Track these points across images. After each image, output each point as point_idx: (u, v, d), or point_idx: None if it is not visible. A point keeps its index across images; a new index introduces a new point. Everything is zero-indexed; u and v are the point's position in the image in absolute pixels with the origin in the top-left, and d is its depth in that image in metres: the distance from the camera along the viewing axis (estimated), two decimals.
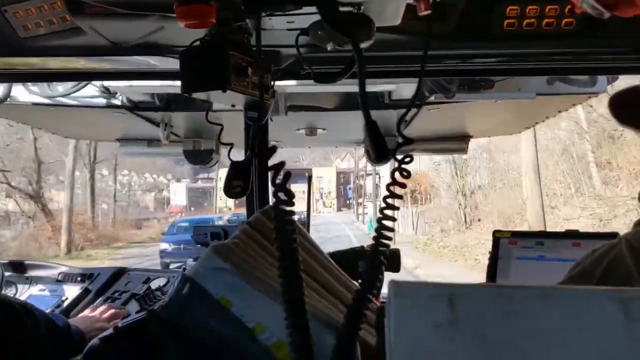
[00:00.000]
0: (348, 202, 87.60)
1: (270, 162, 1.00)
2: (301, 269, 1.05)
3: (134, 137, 3.50)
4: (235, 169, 1.82)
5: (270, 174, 0.99)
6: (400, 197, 1.05)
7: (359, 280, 1.28)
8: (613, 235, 1.20)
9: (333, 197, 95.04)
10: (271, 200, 1.81)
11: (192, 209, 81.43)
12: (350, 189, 79.91)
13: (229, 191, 1.84)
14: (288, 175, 1.00)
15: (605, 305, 0.60)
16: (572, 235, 1.96)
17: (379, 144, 1.06)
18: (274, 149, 1.05)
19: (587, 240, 1.88)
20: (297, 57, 1.34)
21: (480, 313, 0.61)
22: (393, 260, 1.92)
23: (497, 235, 2.00)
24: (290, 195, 1.00)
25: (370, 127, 1.05)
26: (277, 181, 0.99)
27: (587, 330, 0.60)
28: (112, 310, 2.00)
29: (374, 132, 1.06)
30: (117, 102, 2.53)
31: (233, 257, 1.20)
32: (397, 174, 1.04)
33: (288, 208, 1.02)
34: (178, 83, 1.28)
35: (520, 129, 3.75)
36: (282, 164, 0.98)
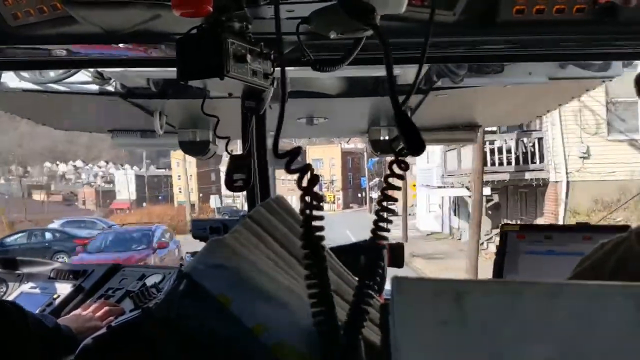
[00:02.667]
0: (361, 195, 76.00)
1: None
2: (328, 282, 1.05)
3: (127, 127, 3.50)
4: (236, 162, 1.83)
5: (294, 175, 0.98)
6: (398, 188, 1.05)
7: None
8: (625, 228, 1.20)
9: (338, 187, 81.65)
10: (273, 196, 1.81)
11: (144, 204, 74.47)
12: (364, 178, 69.30)
13: (231, 185, 1.84)
14: (316, 179, 0.99)
15: (617, 301, 0.61)
16: (582, 228, 1.96)
17: (411, 135, 1.03)
18: (298, 150, 1.02)
19: (598, 233, 1.88)
20: (298, 44, 1.34)
21: (489, 310, 0.61)
22: (396, 255, 1.92)
23: (505, 229, 2.00)
24: (319, 199, 0.99)
25: (399, 117, 1.02)
26: (304, 184, 0.98)
27: (599, 327, 0.60)
28: (106, 308, 1.99)
29: (406, 122, 1.03)
30: (110, 88, 2.53)
31: (233, 252, 1.19)
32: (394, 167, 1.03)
33: (317, 213, 1.00)
34: (174, 68, 1.28)
35: (532, 117, 3.74)
36: (308, 166, 0.97)
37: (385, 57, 1.05)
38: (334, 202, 79.35)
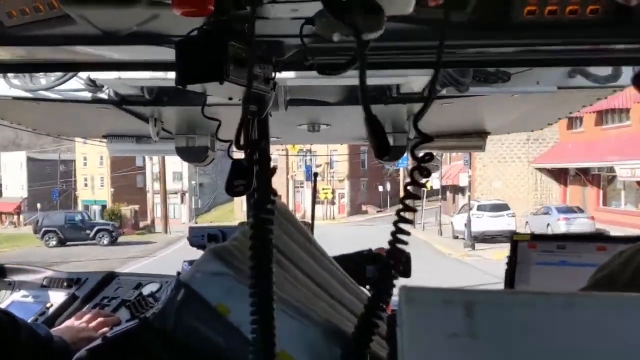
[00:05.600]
0: (382, 190, 50.59)
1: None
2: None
3: (122, 133, 3.51)
4: (236, 167, 1.83)
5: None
6: (418, 197, 1.05)
7: (367, 287, 1.28)
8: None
9: (341, 176, 53.79)
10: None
11: (38, 204, 57.74)
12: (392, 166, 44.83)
13: (231, 190, 1.85)
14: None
15: (632, 313, 0.60)
16: (596, 238, 1.95)
17: (378, 138, 1.05)
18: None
19: (613, 243, 1.87)
20: (301, 47, 1.34)
21: (501, 322, 0.61)
22: (404, 265, 1.92)
23: (516, 239, 2.00)
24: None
25: (370, 120, 1.04)
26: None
27: (614, 339, 0.60)
28: (101, 319, 1.99)
29: (374, 125, 1.05)
30: (103, 96, 2.53)
31: (233, 260, 1.20)
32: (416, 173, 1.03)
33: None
34: (170, 75, 1.29)
35: (542, 125, 3.76)
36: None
37: (359, 62, 1.06)
38: (332, 202, 53.35)
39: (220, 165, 42.57)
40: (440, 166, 39.74)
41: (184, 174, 66.62)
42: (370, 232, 28.38)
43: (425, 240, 29.59)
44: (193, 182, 66.66)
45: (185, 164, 50.51)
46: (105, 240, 36.70)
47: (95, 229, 37.79)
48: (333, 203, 54.79)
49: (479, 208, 29.49)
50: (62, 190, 64.69)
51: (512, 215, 29.36)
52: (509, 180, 36.97)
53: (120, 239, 38.39)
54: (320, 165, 53.12)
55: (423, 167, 1.02)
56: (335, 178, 55.20)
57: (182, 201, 67.24)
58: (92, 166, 66.68)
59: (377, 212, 54.41)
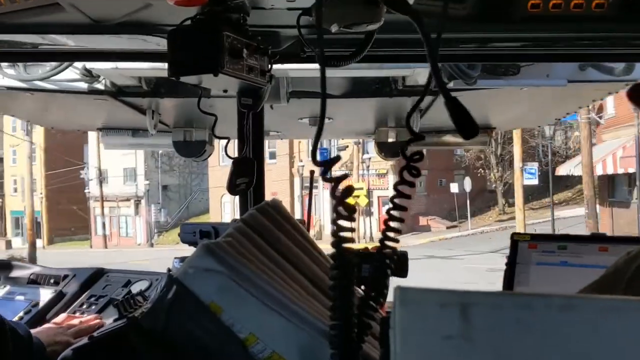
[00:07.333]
0: (458, 203, 33.08)
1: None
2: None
3: (118, 126, 3.50)
4: (238, 165, 1.84)
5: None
6: (409, 196, 1.05)
7: (362, 287, 1.28)
8: None
9: (385, 166, 30.46)
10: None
11: None
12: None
13: (234, 189, 1.85)
14: (350, 191, 0.97)
15: (633, 316, 0.60)
16: (598, 239, 1.95)
17: (464, 121, 1.02)
18: (337, 159, 1.01)
19: (615, 244, 1.88)
20: (298, 38, 1.34)
21: (497, 324, 0.61)
22: (400, 264, 1.91)
23: (516, 239, 2.00)
24: (351, 210, 0.98)
25: (451, 103, 1.02)
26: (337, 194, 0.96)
27: (614, 342, 0.60)
28: (82, 326, 1.95)
29: (457, 108, 1.02)
30: (100, 86, 2.53)
31: (226, 257, 1.19)
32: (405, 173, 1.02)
33: (347, 224, 0.99)
34: (167, 66, 1.29)
35: (550, 120, 3.76)
36: (344, 176, 0.96)
37: (426, 45, 1.03)
38: (368, 212, 31.75)
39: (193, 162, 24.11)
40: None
41: (139, 170, 46.02)
42: (459, 276, 16.37)
43: None
44: (147, 182, 45.75)
45: (140, 155, 42.26)
46: None
47: None
48: (370, 213, 32.24)
49: None
50: None
51: None
52: None
53: None
54: (347, 146, 31.72)
55: (413, 167, 1.01)
56: (373, 171, 33.09)
57: (136, 211, 46.25)
58: (24, 164, 40.55)
59: (448, 227, 33.48)
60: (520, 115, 3.47)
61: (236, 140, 2.23)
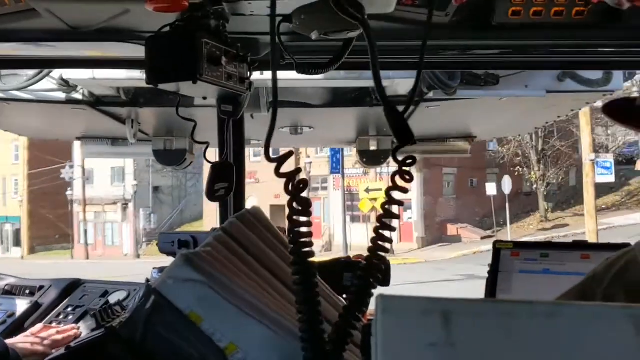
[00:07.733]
0: (495, 207, 27.31)
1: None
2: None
3: (97, 135, 3.49)
4: (216, 170, 1.83)
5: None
6: (401, 203, 1.05)
7: (344, 296, 1.28)
8: (624, 245, 1.22)
9: None
10: (248, 205, 1.81)
11: None
12: None
13: (212, 195, 1.85)
14: (305, 183, 0.98)
15: (615, 322, 0.60)
16: (580, 246, 1.97)
17: (400, 128, 1.03)
18: (290, 154, 1.02)
19: (597, 251, 1.89)
20: (278, 46, 1.34)
21: (479, 332, 0.61)
22: (383, 274, 1.91)
23: (498, 246, 2.00)
24: (307, 205, 0.98)
25: (388, 110, 1.03)
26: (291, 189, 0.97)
27: (596, 349, 0.60)
28: (59, 337, 1.94)
29: (394, 115, 1.04)
30: (78, 96, 2.52)
31: (205, 267, 1.18)
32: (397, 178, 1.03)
33: (303, 218, 1.00)
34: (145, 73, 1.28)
35: (529, 129, 3.88)
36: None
37: (370, 53, 1.05)
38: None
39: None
40: None
41: (127, 169, 41.17)
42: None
43: None
44: (136, 182, 40.98)
45: None
46: None
47: None
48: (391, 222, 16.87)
49: None
50: None
51: None
52: None
53: None
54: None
55: (405, 171, 1.02)
56: (392, 169, 17.44)
57: (124, 217, 41.69)
58: (4, 163, 42.49)
59: (483, 238, 28.92)
60: (500, 124, 3.52)
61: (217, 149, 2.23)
